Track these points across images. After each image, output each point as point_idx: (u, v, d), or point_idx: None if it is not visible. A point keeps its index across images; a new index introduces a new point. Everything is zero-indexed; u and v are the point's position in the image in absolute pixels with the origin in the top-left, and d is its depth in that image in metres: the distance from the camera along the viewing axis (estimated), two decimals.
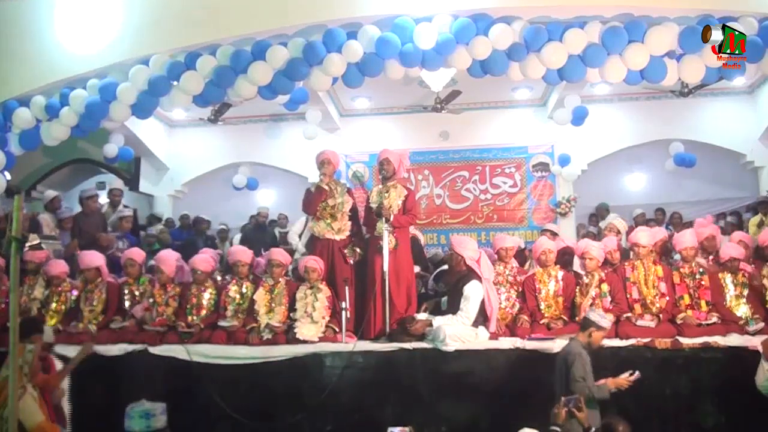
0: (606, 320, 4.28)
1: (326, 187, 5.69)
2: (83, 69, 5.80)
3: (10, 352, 2.95)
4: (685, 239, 5.38)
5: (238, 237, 8.98)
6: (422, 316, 5.23)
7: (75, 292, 5.71)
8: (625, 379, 4.08)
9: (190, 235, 9.13)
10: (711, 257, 5.49)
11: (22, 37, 5.99)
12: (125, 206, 8.38)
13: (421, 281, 6.08)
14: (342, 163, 8.08)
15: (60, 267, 5.78)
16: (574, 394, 3.83)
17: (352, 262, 5.60)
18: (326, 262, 5.53)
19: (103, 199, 8.61)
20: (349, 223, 5.71)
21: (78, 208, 7.76)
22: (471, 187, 10.24)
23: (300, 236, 6.66)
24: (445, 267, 5.97)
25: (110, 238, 7.07)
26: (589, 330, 4.20)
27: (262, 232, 9.24)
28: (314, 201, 5.66)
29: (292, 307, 5.34)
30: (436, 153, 10.31)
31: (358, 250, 5.63)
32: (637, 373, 4.08)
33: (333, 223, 5.65)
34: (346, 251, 5.61)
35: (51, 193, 7.69)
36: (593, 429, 3.69)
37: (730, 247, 5.40)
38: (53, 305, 5.66)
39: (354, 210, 5.83)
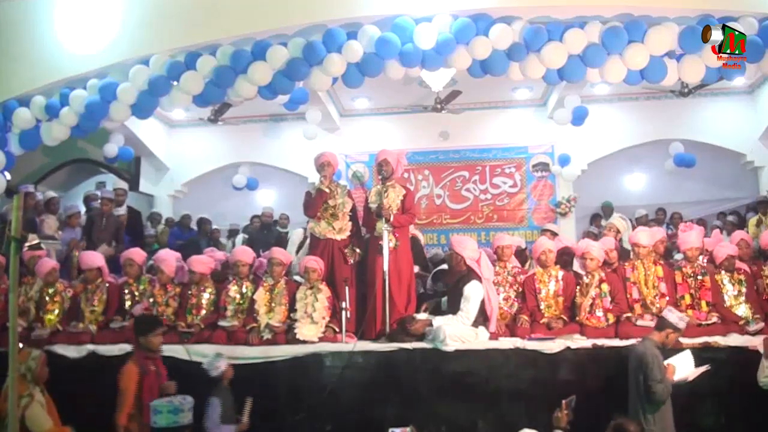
0: (683, 322, 4.22)
1: (326, 189, 5.68)
2: (83, 69, 5.81)
3: (10, 353, 2.94)
4: (691, 239, 5.39)
5: (240, 237, 8.98)
6: (422, 316, 5.23)
7: (69, 291, 5.68)
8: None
9: (191, 234, 9.13)
10: (704, 257, 5.47)
11: (22, 37, 5.99)
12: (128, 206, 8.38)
13: (420, 281, 6.08)
14: (342, 163, 8.08)
15: (48, 265, 5.70)
16: (655, 395, 3.90)
17: (351, 262, 5.60)
18: (326, 262, 5.52)
19: None
20: (350, 223, 5.71)
21: (81, 208, 7.76)
22: (471, 187, 10.22)
23: (297, 250, 6.61)
24: (443, 266, 5.98)
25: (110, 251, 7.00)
26: (666, 331, 4.18)
27: (267, 232, 9.23)
28: (315, 204, 5.64)
29: (292, 307, 5.34)
30: (436, 153, 10.30)
31: (357, 250, 5.62)
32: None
33: (334, 222, 5.64)
34: (346, 251, 5.61)
35: (50, 194, 7.68)
36: None
37: (725, 246, 5.40)
38: (48, 305, 5.59)
39: (353, 210, 5.83)
